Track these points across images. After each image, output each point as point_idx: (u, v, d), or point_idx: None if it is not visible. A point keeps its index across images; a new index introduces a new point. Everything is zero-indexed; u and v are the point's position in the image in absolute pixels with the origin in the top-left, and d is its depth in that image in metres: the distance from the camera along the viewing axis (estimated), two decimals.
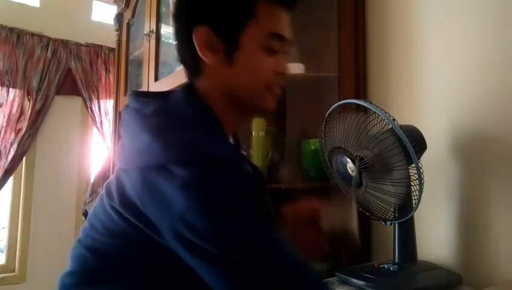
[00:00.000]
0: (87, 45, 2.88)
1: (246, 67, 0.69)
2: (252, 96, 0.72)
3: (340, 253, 0.85)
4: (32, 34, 2.63)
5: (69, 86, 2.79)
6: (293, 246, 0.60)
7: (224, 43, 0.68)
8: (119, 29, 2.43)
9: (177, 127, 0.64)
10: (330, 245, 0.82)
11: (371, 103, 0.97)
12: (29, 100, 2.60)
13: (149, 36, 1.96)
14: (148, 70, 1.97)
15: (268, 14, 0.70)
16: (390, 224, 1.05)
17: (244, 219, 0.58)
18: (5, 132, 2.52)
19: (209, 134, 0.66)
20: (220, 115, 0.70)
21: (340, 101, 1.06)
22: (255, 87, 0.71)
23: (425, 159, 1.00)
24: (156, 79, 1.92)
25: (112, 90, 2.81)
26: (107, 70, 2.94)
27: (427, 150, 1.06)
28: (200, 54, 0.69)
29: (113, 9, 2.59)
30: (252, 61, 0.69)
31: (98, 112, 2.90)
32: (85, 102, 2.86)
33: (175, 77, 1.71)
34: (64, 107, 2.81)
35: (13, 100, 2.56)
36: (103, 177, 2.81)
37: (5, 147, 2.52)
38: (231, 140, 0.80)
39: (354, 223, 0.80)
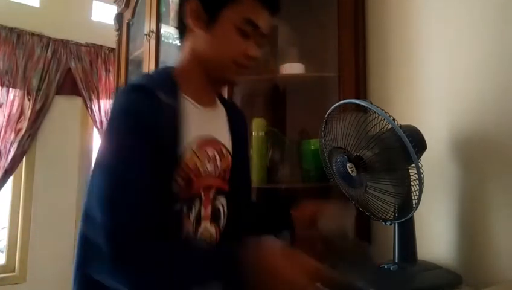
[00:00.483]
0: (87, 45, 2.87)
1: (218, 38, 0.82)
2: (217, 65, 0.84)
3: (335, 254, 0.87)
4: (32, 34, 2.63)
5: (69, 86, 2.79)
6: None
7: (207, 14, 0.82)
8: (119, 29, 2.42)
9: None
10: (326, 246, 0.85)
11: (371, 102, 0.97)
12: (29, 100, 2.60)
13: (149, 36, 1.96)
14: (148, 70, 1.97)
15: (249, 5, 0.82)
16: (390, 224, 1.05)
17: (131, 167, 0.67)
18: (5, 131, 2.52)
19: (153, 80, 0.81)
20: (186, 77, 0.84)
21: (340, 101, 1.06)
22: (223, 57, 0.83)
23: (425, 159, 0.99)
24: None
25: (112, 90, 2.81)
26: (107, 70, 2.94)
27: (427, 150, 1.06)
28: (188, 20, 0.84)
29: (113, 9, 2.59)
30: (225, 35, 0.82)
31: (98, 112, 2.89)
32: (85, 102, 2.86)
33: None
34: (64, 107, 2.81)
35: (13, 100, 2.56)
36: None
37: (5, 147, 2.51)
38: (218, 102, 0.94)
39: (350, 227, 0.84)
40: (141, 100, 0.72)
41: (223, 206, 0.88)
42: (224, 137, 0.91)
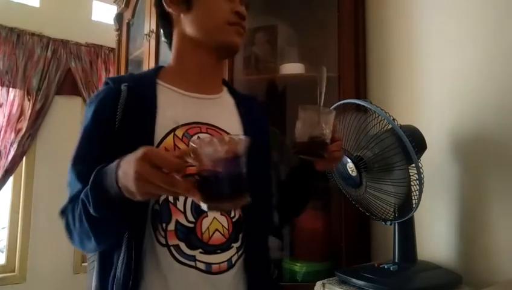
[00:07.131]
0: (87, 45, 2.87)
1: (202, 10, 0.82)
2: (213, 33, 0.82)
3: (312, 157, 0.86)
4: (32, 34, 2.63)
5: (69, 86, 2.79)
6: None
7: None
8: (119, 29, 2.42)
9: None
10: (306, 150, 0.86)
11: (371, 102, 0.98)
12: (29, 100, 2.60)
13: (149, 36, 1.96)
14: None
15: None
16: (390, 224, 1.05)
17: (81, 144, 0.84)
18: (5, 131, 2.52)
19: (122, 75, 0.85)
20: (174, 67, 0.86)
21: (340, 101, 1.06)
22: (214, 24, 0.82)
23: (425, 159, 1.00)
24: None
25: None
26: (107, 70, 2.94)
27: (427, 150, 1.06)
28: (166, 8, 0.84)
29: (113, 9, 2.59)
30: (208, 3, 0.82)
31: None
32: (85, 102, 2.86)
33: None
34: (64, 107, 2.81)
35: (13, 100, 2.56)
36: None
37: (5, 147, 2.51)
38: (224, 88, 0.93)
39: (328, 130, 0.84)
40: (99, 91, 0.82)
41: None
42: (230, 124, 0.86)
